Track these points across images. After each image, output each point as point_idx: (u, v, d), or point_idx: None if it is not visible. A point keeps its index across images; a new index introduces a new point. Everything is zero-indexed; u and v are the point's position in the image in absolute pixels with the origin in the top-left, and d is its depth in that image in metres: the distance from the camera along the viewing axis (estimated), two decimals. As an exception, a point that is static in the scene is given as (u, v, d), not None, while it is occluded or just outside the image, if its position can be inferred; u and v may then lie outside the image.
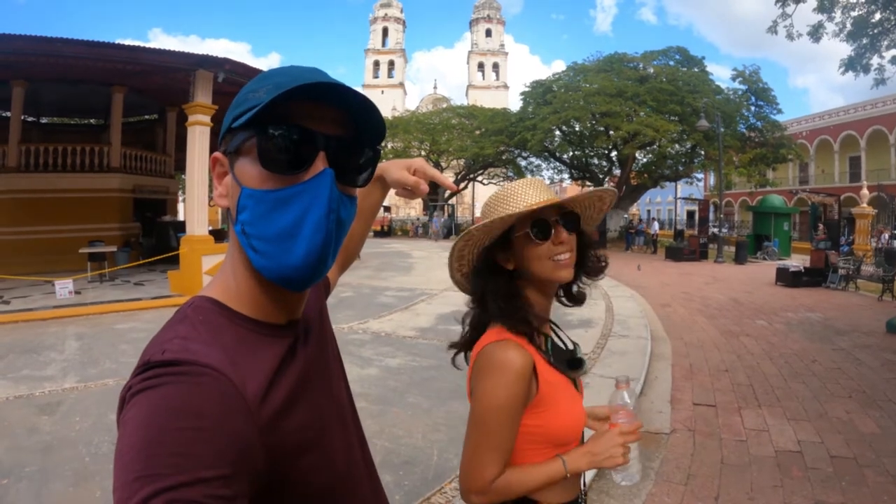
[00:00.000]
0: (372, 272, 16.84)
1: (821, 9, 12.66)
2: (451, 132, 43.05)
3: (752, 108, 30.23)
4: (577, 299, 1.50)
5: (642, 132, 26.49)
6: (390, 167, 1.17)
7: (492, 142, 35.48)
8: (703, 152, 30.37)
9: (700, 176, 40.90)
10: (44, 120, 21.19)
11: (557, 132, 32.60)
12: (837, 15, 12.73)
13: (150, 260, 14.50)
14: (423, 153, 42.72)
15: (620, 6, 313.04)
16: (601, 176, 36.41)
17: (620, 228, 34.02)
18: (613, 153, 33.18)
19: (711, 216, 32.05)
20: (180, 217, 20.51)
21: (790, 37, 13.72)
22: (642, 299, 12.22)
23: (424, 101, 75.86)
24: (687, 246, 24.54)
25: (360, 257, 17.90)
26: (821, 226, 20.58)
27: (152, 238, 17.59)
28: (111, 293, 11.98)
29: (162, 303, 10.97)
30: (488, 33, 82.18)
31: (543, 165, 40.18)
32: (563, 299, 1.51)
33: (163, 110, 19.73)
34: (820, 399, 5.71)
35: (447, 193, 44.88)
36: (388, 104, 69.93)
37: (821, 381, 6.32)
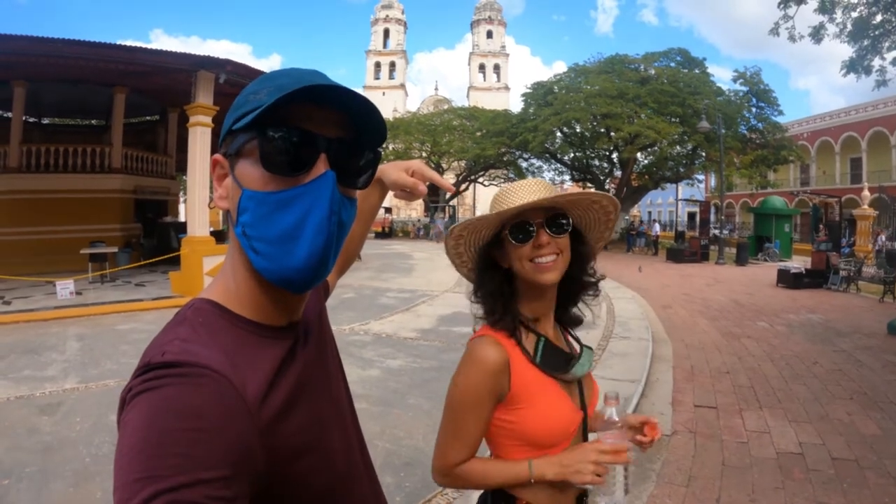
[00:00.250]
0: (373, 273, 16.85)
1: (822, 10, 12.65)
2: (453, 133, 43.09)
3: (754, 110, 30.23)
4: (572, 320, 1.52)
5: (643, 134, 26.49)
6: (389, 169, 1.17)
7: (493, 143, 35.47)
8: (704, 154, 30.37)
9: (701, 177, 40.85)
10: (45, 120, 21.19)
11: (558, 133, 32.63)
12: (838, 16, 12.74)
13: (151, 261, 14.50)
14: (424, 154, 42.78)
15: (621, 7, 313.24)
16: (602, 177, 36.42)
17: (621, 230, 33.98)
18: (614, 155, 33.16)
19: (712, 218, 32.07)
20: (181, 218, 20.53)
21: (792, 38, 13.72)
22: (643, 301, 12.22)
23: (426, 103, 75.86)
24: (688, 247, 24.54)
25: (361, 258, 17.93)
26: (822, 228, 20.56)
27: (153, 239, 17.62)
28: (112, 294, 11.99)
29: (163, 304, 10.98)
30: (489, 35, 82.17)
31: (545, 167, 40.19)
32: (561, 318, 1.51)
33: (164, 111, 19.74)
34: (821, 401, 5.71)
35: (448, 195, 44.94)
36: (390, 105, 69.91)
37: (822, 383, 6.31)
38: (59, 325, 9.33)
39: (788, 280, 15.02)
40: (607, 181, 37.11)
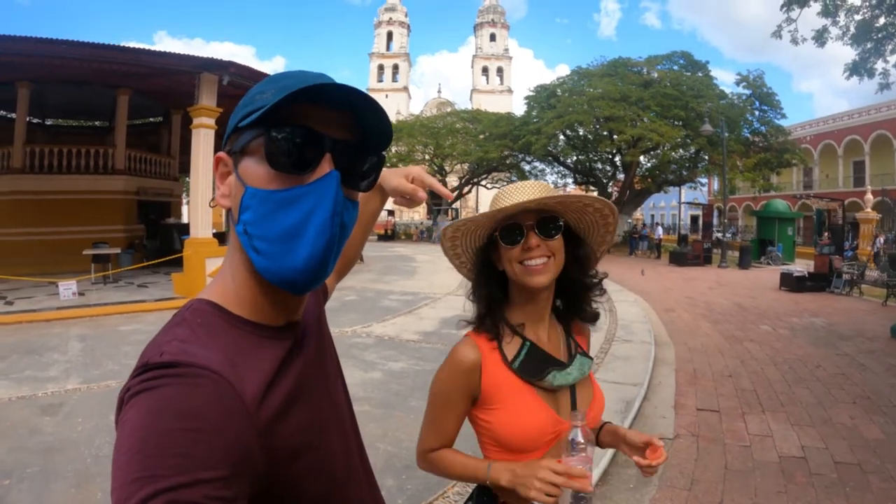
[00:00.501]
0: (376, 276, 16.86)
1: (825, 13, 12.63)
2: (456, 136, 43.07)
3: (757, 113, 30.21)
4: (587, 318, 1.50)
5: (646, 137, 26.50)
6: (389, 175, 1.17)
7: (496, 146, 35.49)
8: (707, 157, 30.38)
9: (704, 181, 40.92)
10: (49, 122, 21.27)
11: (561, 136, 32.64)
12: (842, 19, 12.71)
13: (153, 262, 14.51)
14: (427, 157, 42.80)
15: (624, 10, 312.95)
16: (605, 181, 36.42)
17: (624, 233, 33.96)
18: (617, 158, 33.14)
19: (715, 221, 32.01)
20: (184, 219, 20.56)
21: (795, 41, 13.69)
22: (646, 304, 12.20)
23: (429, 105, 75.90)
24: (691, 251, 24.50)
25: (363, 260, 17.96)
26: (826, 233, 20.54)
27: (156, 240, 17.67)
28: (115, 295, 12.01)
29: (165, 305, 10.99)
30: (493, 38, 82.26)
31: (547, 170, 40.19)
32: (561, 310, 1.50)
33: (167, 113, 19.80)
34: (824, 405, 5.69)
35: (452, 196, 44.98)
36: (393, 108, 69.99)
37: (825, 387, 6.29)
38: (62, 326, 9.35)
39: (791, 283, 15.00)
40: (610, 184, 37.10)
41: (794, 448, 4.62)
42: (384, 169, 1.13)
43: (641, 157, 31.16)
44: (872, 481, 3.99)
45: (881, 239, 23.63)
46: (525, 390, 1.35)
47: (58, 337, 8.56)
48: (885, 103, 34.07)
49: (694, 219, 49.39)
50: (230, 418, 0.65)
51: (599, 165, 36.54)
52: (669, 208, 60.53)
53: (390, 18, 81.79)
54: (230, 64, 12.48)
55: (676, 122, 28.02)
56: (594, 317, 1.49)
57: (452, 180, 47.47)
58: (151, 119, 21.38)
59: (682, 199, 39.75)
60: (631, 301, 12.24)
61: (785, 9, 13.16)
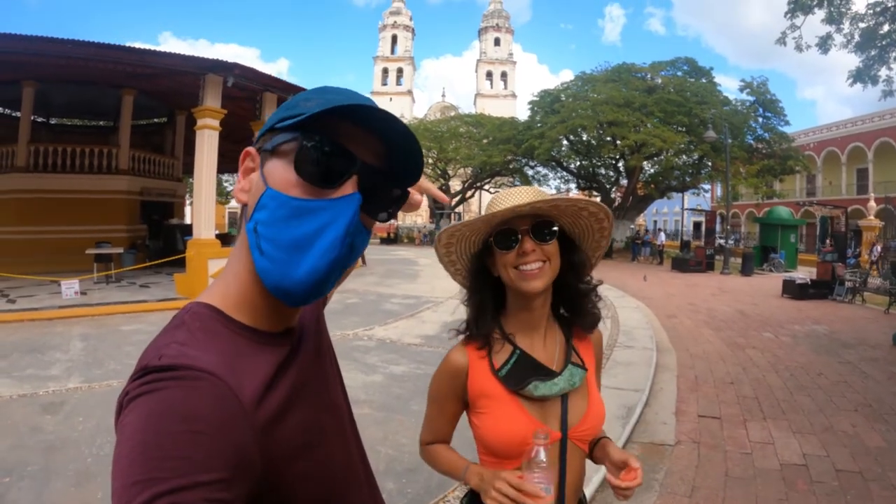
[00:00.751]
0: (378, 279, 16.87)
1: (829, 20, 12.65)
2: (459, 140, 43.16)
3: (760, 120, 30.22)
4: (587, 322, 1.48)
5: (649, 142, 26.48)
6: None
7: (499, 150, 35.53)
8: (710, 163, 30.32)
9: (707, 187, 40.79)
10: (53, 121, 21.33)
11: (565, 141, 32.64)
12: (846, 26, 12.73)
13: (156, 262, 14.56)
14: (430, 161, 42.84)
15: (629, 16, 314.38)
16: (608, 186, 36.42)
17: (626, 239, 33.97)
18: (620, 163, 33.16)
19: (718, 227, 31.98)
20: (187, 220, 20.60)
21: (799, 48, 13.71)
22: (648, 310, 12.18)
23: (432, 109, 76.11)
24: (693, 257, 24.49)
25: (365, 263, 17.98)
26: (828, 240, 20.52)
27: (159, 240, 17.71)
28: (117, 294, 12.03)
29: (167, 305, 11.00)
30: (497, 42, 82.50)
31: (551, 175, 40.12)
32: (564, 313, 1.50)
33: (172, 113, 19.88)
34: (826, 412, 5.67)
35: (454, 202, 45.01)
36: (397, 112, 68.00)
37: (827, 395, 6.28)
38: (64, 325, 9.36)
39: (794, 291, 14.97)
40: (613, 190, 37.08)
41: (796, 455, 4.60)
42: None
43: (645, 163, 31.17)
44: (874, 489, 3.97)
45: (878, 247, 23.57)
46: (509, 399, 1.36)
47: (60, 336, 8.58)
48: (888, 111, 33.97)
49: (696, 225, 49.35)
50: (229, 421, 0.65)
51: (603, 171, 36.54)
52: (672, 214, 60.55)
53: (395, 22, 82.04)
54: (235, 65, 12.50)
55: (680, 129, 27.99)
56: (593, 323, 1.48)
57: (456, 184, 47.56)
58: (156, 119, 21.45)
59: (685, 206, 39.76)
60: (633, 307, 12.23)
61: (789, 16, 13.18)
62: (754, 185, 30.20)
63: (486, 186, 44.48)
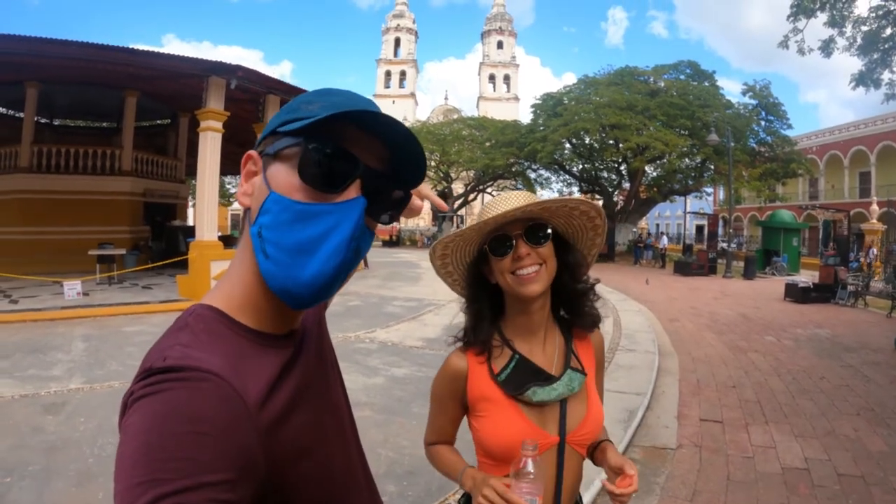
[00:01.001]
0: (380, 281, 16.88)
1: (832, 23, 12.62)
2: (462, 143, 43.17)
3: (763, 123, 30.20)
4: (586, 323, 1.48)
5: (652, 145, 26.50)
6: None
7: (502, 153, 35.55)
8: (712, 167, 30.30)
9: (710, 190, 40.76)
10: (56, 122, 21.38)
11: (567, 145, 32.62)
12: (848, 30, 12.70)
13: (158, 264, 14.59)
14: (433, 164, 42.86)
15: (632, 20, 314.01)
16: (611, 189, 36.41)
17: (629, 242, 33.95)
18: (623, 166, 33.13)
19: (720, 231, 31.94)
20: (190, 222, 20.64)
21: (801, 52, 13.66)
22: (650, 314, 12.17)
23: (435, 112, 76.06)
24: (695, 260, 24.46)
25: (368, 266, 17.97)
26: (831, 243, 20.50)
27: (161, 242, 17.73)
28: (119, 295, 12.04)
29: (170, 307, 11.02)
30: (500, 45, 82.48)
31: (553, 178, 40.11)
32: (565, 315, 1.50)
33: (175, 115, 19.91)
34: (828, 416, 5.66)
35: (456, 204, 45.03)
36: (399, 114, 69.97)
37: (829, 398, 6.26)
38: (66, 326, 9.38)
39: (796, 294, 14.95)
40: (616, 193, 37.07)
41: (798, 459, 4.59)
42: None
43: (647, 167, 31.17)
44: (875, 493, 3.96)
45: (874, 250, 23.55)
46: (508, 404, 1.36)
47: (62, 336, 8.59)
48: (891, 114, 33.91)
49: (699, 228, 49.25)
50: (234, 422, 0.65)
51: (605, 174, 36.56)
52: (675, 218, 60.45)
53: (398, 25, 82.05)
54: (238, 68, 12.52)
55: (682, 132, 28.02)
56: (592, 323, 1.48)
57: (458, 187, 47.56)
58: (159, 121, 21.50)
59: (688, 209, 39.74)
60: (635, 310, 12.22)
61: (792, 19, 13.15)
62: (757, 188, 30.20)
63: (489, 189, 44.45)
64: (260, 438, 0.69)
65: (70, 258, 14.95)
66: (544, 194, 35.76)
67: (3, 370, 6.72)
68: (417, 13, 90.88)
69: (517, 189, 41.10)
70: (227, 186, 44.23)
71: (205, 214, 12.85)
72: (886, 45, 12.22)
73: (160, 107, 18.90)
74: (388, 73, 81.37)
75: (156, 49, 12.69)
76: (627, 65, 32.79)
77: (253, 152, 0.81)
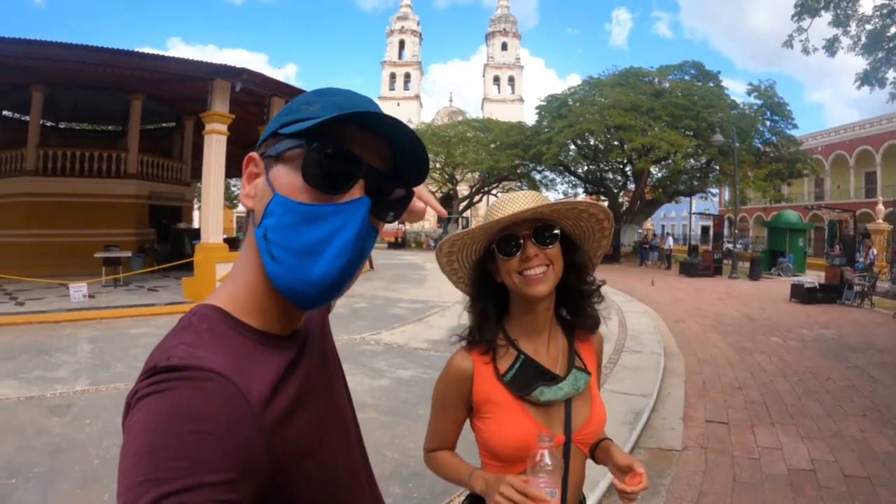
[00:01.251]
0: (385, 283, 16.88)
1: (836, 23, 12.58)
2: (467, 145, 43.21)
3: (768, 123, 30.11)
4: (588, 324, 1.48)
5: (657, 146, 26.48)
6: None
7: (507, 155, 35.54)
8: (717, 167, 30.29)
9: (715, 191, 40.74)
10: (62, 125, 21.44)
11: (572, 146, 32.60)
12: (853, 29, 12.66)
13: (164, 266, 14.60)
14: (438, 166, 42.90)
15: (636, 20, 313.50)
16: (616, 190, 36.37)
17: (634, 243, 33.93)
18: (628, 167, 33.08)
19: (726, 231, 31.88)
20: (195, 224, 20.68)
21: (806, 51, 13.63)
22: (656, 315, 12.15)
23: (440, 114, 76.06)
24: (701, 261, 24.42)
25: (373, 268, 17.99)
26: (837, 244, 20.41)
27: (167, 244, 17.78)
28: (125, 298, 12.07)
29: (175, 309, 11.03)
30: (504, 47, 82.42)
31: (558, 179, 40.10)
32: (568, 317, 1.50)
33: (180, 118, 19.97)
34: (834, 417, 5.64)
35: (461, 206, 45.05)
36: (404, 116, 70.02)
37: (835, 399, 6.24)
38: (71, 328, 9.40)
39: (802, 295, 14.90)
40: (621, 194, 37.02)
41: (804, 461, 4.58)
42: None
43: (652, 168, 31.12)
44: (882, 494, 3.95)
45: (874, 250, 23.43)
46: (514, 404, 1.36)
47: (67, 338, 8.61)
48: (896, 113, 33.86)
49: (704, 229, 49.23)
50: (237, 421, 0.65)
51: (610, 175, 36.51)
52: (680, 219, 60.32)
53: (402, 27, 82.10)
54: (243, 70, 12.55)
55: (687, 132, 27.98)
56: (594, 324, 1.48)
57: (463, 189, 47.58)
58: (164, 124, 21.52)
59: (693, 210, 39.63)
60: (640, 312, 12.20)
61: (796, 18, 13.12)
62: (762, 188, 30.13)
63: (494, 191, 44.44)
64: (263, 438, 0.69)
65: (76, 261, 14.98)
66: (549, 196, 35.67)
67: (9, 372, 6.74)
68: (421, 15, 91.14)
69: (522, 190, 41.01)
70: (233, 189, 44.30)
71: (210, 217, 12.87)
72: (891, 44, 12.19)
73: (165, 110, 18.95)
74: (392, 76, 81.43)
75: (161, 52, 12.73)
76: (632, 66, 32.80)
77: (254, 154, 0.81)
